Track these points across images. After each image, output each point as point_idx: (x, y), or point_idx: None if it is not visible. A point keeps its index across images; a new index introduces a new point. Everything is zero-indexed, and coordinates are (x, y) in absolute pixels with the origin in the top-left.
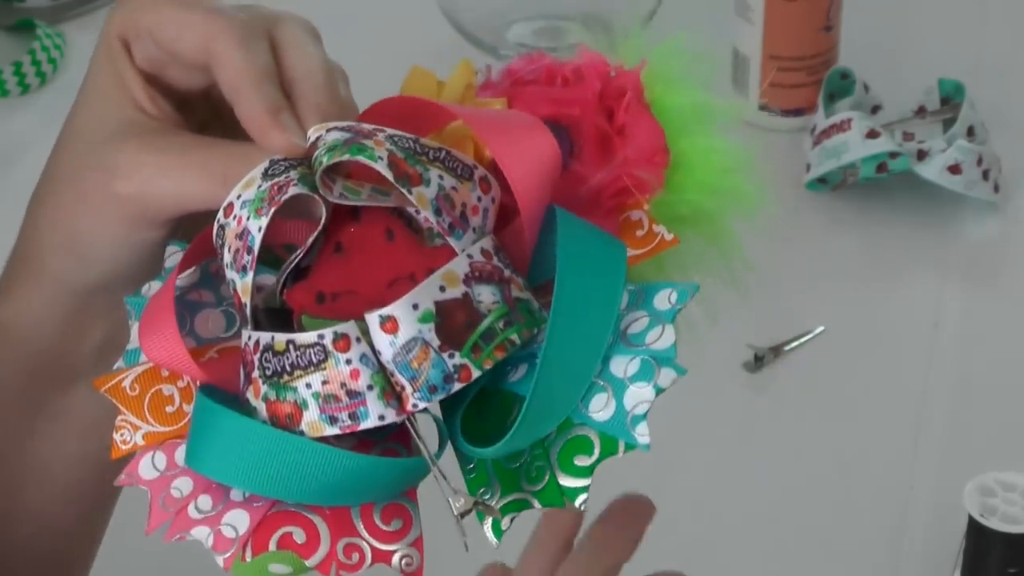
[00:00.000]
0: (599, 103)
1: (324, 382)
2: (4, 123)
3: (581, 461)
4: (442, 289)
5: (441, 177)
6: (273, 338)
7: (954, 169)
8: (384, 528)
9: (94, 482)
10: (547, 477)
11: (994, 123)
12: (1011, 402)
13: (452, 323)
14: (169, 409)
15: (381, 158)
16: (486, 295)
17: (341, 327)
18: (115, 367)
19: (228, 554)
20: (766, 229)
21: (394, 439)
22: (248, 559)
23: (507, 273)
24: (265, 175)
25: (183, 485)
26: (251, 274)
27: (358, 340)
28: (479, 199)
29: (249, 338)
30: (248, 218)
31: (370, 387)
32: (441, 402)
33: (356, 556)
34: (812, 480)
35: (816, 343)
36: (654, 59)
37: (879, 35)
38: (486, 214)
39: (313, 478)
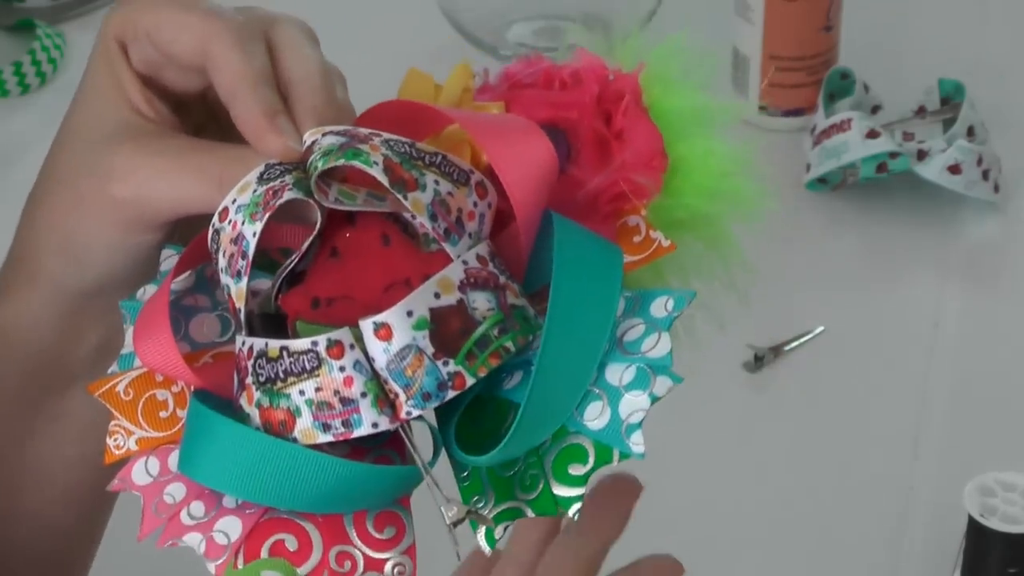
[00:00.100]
0: (597, 107)
1: (317, 389)
2: (4, 123)
3: (575, 470)
4: (437, 296)
5: (437, 182)
6: (267, 344)
7: (954, 169)
8: (377, 536)
9: (93, 483)
10: (541, 486)
11: (994, 123)
12: (1011, 402)
13: (446, 330)
14: (163, 414)
15: (376, 163)
16: (481, 302)
17: (335, 334)
18: (109, 371)
19: (220, 561)
20: (766, 229)
21: (388, 446)
22: (240, 566)
23: (502, 279)
24: (260, 179)
25: (176, 491)
26: (246, 279)
27: (352, 347)
28: (475, 204)
29: (243, 344)
30: (243, 223)
31: (364, 394)
32: (436, 409)
33: (348, 564)
34: (812, 480)
35: (816, 343)
36: (653, 60)
37: (879, 35)
38: (482, 219)
39: (306, 485)
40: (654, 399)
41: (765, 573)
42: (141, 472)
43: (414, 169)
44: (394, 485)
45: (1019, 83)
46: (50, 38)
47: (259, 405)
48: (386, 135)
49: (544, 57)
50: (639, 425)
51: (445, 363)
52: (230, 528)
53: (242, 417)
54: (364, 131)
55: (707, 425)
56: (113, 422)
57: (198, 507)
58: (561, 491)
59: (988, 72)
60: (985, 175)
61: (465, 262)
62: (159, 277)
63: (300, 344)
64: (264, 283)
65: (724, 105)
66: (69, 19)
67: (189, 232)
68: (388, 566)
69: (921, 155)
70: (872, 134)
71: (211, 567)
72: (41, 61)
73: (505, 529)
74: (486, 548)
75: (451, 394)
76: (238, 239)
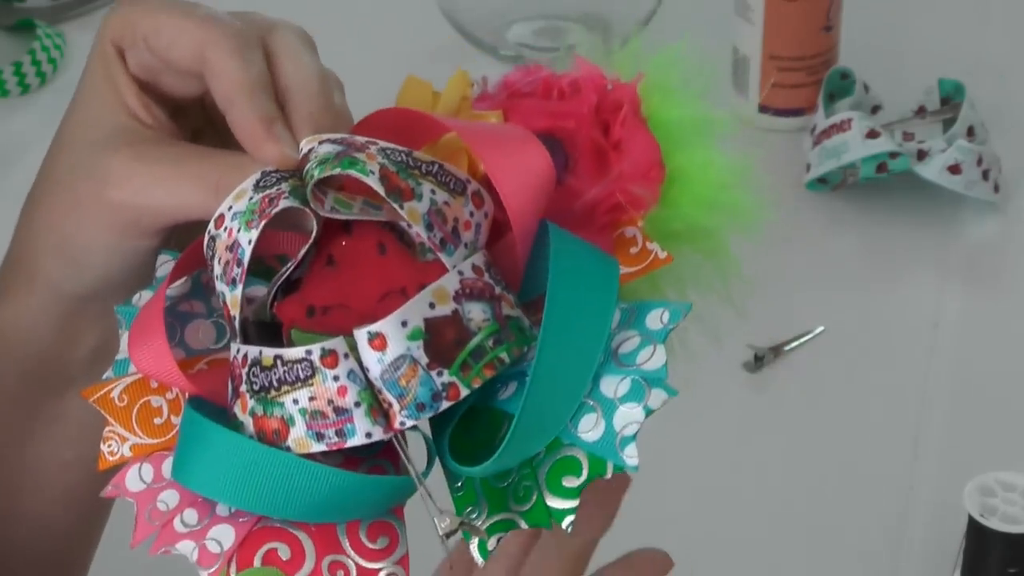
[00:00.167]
0: (595, 117)
1: (311, 398)
2: (4, 123)
3: (569, 482)
4: (432, 306)
5: (433, 192)
6: (261, 352)
7: (954, 169)
8: (370, 546)
9: (91, 484)
10: (535, 497)
11: (994, 123)
12: (1011, 402)
13: (441, 341)
14: (157, 421)
15: (372, 172)
16: (476, 313)
17: (329, 343)
18: (104, 377)
19: (213, 569)
20: (766, 229)
21: (382, 455)
22: (233, 574)
23: (498, 290)
24: (256, 187)
25: (169, 498)
26: (240, 287)
27: (346, 356)
28: (471, 214)
29: (238, 351)
30: (238, 230)
31: (357, 404)
32: (430, 419)
33: (341, 573)
34: (812, 480)
35: (816, 343)
36: (652, 70)
37: (879, 35)
38: (478, 229)
39: (299, 494)
40: (648, 412)
41: (765, 573)
42: (135, 479)
43: (410, 178)
44: (387, 495)
45: (1019, 83)
46: (50, 38)
47: (253, 413)
48: (383, 143)
49: (543, 66)
50: (633, 438)
51: (439, 373)
52: (223, 536)
53: (236, 425)
54: (361, 139)
55: (707, 425)
56: (107, 428)
57: (191, 515)
58: (555, 503)
59: (988, 72)
60: (985, 175)
61: (461, 272)
62: (155, 283)
63: (294, 353)
64: (259, 290)
65: (723, 115)
66: (69, 19)
67: (186, 237)
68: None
69: (921, 155)
70: (872, 134)
71: (204, 575)
72: (41, 61)
73: (498, 541)
74: (479, 559)
75: (445, 405)
76: (233, 246)
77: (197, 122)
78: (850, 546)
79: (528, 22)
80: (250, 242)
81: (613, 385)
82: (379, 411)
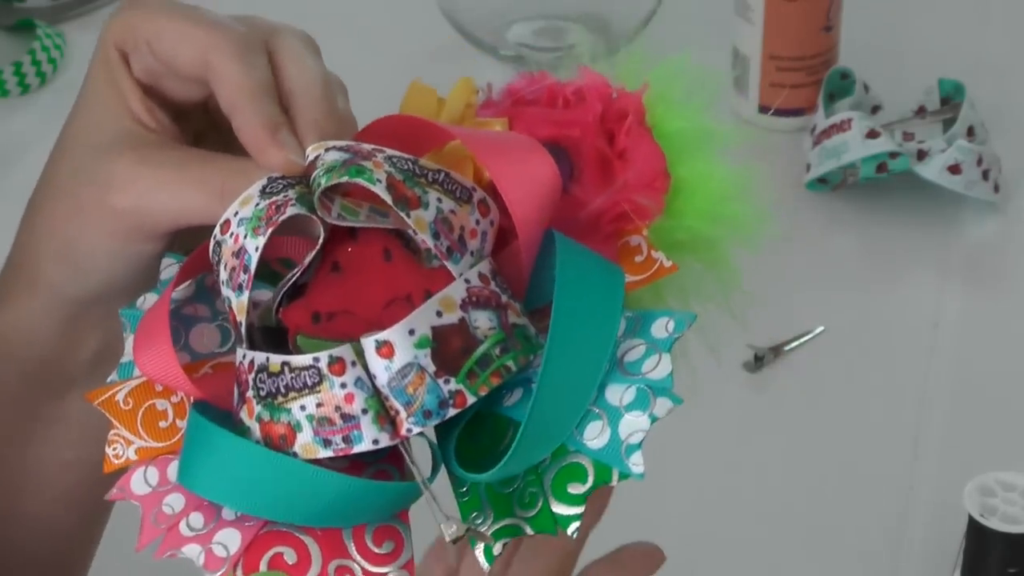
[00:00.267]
0: (600, 126)
1: (319, 405)
2: (4, 123)
3: (575, 489)
4: (439, 314)
5: (440, 200)
6: (268, 359)
7: (954, 169)
8: (376, 550)
9: (92, 486)
10: (540, 503)
11: (994, 123)
12: (1011, 402)
13: (448, 349)
14: (162, 424)
15: (379, 180)
16: (483, 321)
17: (337, 350)
18: (108, 380)
19: (219, 573)
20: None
21: (387, 461)
22: None
23: (504, 298)
24: (263, 193)
25: (175, 502)
26: (247, 293)
27: (353, 364)
28: (477, 222)
29: (244, 357)
30: (245, 237)
31: (364, 411)
32: (435, 425)
33: None
34: (812, 480)
35: (816, 343)
36: (656, 80)
37: (879, 35)
38: (484, 237)
39: (305, 500)
40: (654, 420)
41: (765, 573)
42: (140, 482)
43: (417, 187)
44: (393, 500)
45: (1019, 83)
46: (50, 38)
47: (259, 419)
48: (389, 151)
49: (548, 74)
50: (639, 446)
51: (446, 381)
52: (229, 540)
53: (242, 430)
54: (367, 147)
55: (707, 425)
56: (112, 431)
57: (197, 518)
58: (560, 509)
59: (988, 72)
60: (985, 175)
61: (467, 280)
62: (159, 286)
63: (302, 360)
64: (265, 294)
65: (726, 127)
66: (69, 19)
67: (190, 241)
68: None
69: (921, 155)
70: (872, 134)
71: None
72: (41, 61)
73: (504, 546)
74: (484, 565)
75: (452, 412)
76: (240, 252)
77: (200, 125)
78: (850, 546)
79: (528, 22)
80: (257, 249)
81: (619, 393)
82: (386, 418)
